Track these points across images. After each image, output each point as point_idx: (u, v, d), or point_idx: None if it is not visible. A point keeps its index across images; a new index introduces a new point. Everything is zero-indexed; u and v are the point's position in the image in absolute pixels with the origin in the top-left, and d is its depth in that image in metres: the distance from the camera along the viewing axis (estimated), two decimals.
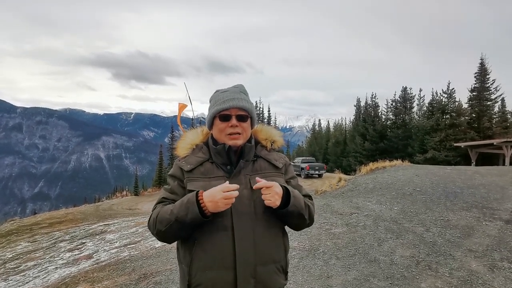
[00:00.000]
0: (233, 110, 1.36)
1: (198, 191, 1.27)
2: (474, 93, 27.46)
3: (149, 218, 1.37)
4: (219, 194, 1.21)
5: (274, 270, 1.33)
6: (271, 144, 1.51)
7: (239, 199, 1.27)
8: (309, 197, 1.54)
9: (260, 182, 1.26)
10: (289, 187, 1.33)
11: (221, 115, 1.37)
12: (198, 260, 1.28)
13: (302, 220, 1.40)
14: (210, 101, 1.47)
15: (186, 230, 1.28)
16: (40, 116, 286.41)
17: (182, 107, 2.66)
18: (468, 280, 3.45)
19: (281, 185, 1.31)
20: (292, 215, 1.34)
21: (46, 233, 9.10)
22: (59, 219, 11.76)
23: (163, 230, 1.29)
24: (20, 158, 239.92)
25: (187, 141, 1.48)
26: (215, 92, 1.48)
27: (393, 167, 11.89)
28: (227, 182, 1.27)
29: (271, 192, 1.26)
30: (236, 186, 1.24)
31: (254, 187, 1.28)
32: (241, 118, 1.37)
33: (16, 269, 5.83)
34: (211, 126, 1.44)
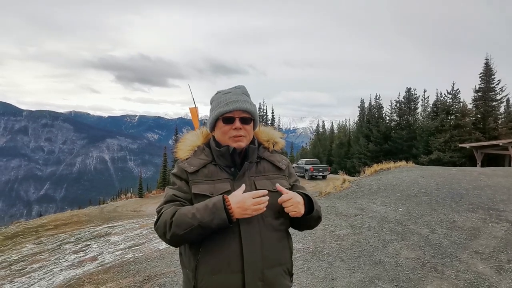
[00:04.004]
0: (236, 113, 1.35)
1: (223, 195, 1.25)
2: (479, 94, 27.19)
3: (157, 220, 1.30)
4: (249, 201, 1.21)
5: (281, 272, 1.33)
6: (273, 146, 1.50)
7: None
8: None
9: (282, 196, 1.26)
10: (308, 193, 1.35)
11: (224, 118, 1.35)
12: (205, 264, 1.26)
13: (318, 221, 1.42)
14: (211, 103, 1.44)
15: (206, 235, 1.24)
16: (46, 119, 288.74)
17: (194, 111, 2.59)
18: (474, 282, 3.42)
19: (299, 192, 1.33)
20: (312, 219, 1.36)
21: (52, 235, 9.15)
22: (64, 221, 11.83)
23: (181, 234, 1.22)
24: (26, 160, 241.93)
25: (188, 143, 1.46)
26: (216, 93, 1.46)
27: (397, 169, 11.81)
28: (244, 186, 1.27)
29: (293, 203, 1.26)
30: (265, 191, 1.24)
31: (278, 201, 1.27)
32: (244, 121, 1.36)
33: (21, 271, 5.86)
34: (213, 128, 1.42)
